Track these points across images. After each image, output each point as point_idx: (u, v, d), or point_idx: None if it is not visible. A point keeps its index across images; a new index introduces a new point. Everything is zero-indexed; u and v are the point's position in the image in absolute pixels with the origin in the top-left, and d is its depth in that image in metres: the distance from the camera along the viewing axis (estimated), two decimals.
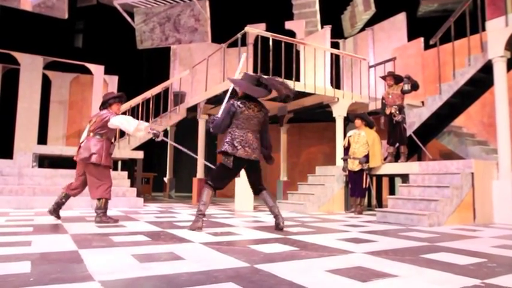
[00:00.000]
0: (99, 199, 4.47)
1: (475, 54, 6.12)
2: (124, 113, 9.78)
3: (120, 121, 4.47)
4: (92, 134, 4.55)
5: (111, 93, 4.88)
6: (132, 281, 1.96)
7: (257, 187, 4.27)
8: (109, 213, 5.78)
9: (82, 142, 4.62)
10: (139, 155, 9.30)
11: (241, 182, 7.02)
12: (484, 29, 5.89)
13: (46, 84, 10.34)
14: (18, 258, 2.40)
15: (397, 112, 6.53)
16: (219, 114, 4.08)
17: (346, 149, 6.83)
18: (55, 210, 4.60)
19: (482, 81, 6.26)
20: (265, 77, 4.18)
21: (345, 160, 6.79)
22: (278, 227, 4.07)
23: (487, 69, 5.88)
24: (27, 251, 2.64)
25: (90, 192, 4.51)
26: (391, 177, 8.08)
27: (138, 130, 4.39)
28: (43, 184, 7.05)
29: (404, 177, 6.54)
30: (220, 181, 4.07)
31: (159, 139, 4.60)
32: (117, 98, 4.74)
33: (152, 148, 11.57)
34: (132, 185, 8.11)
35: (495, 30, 5.62)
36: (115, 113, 4.61)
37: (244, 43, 9.48)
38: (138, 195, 7.92)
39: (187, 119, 10.77)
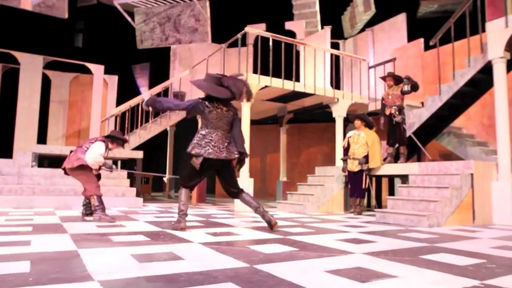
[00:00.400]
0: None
1: (475, 55, 6.12)
2: (124, 113, 9.81)
3: (89, 157, 4.83)
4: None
5: (121, 134, 5.41)
6: (131, 280, 1.96)
7: (232, 190, 4.16)
8: (109, 212, 5.80)
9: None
10: (139, 154, 9.31)
11: (241, 183, 7.02)
12: (484, 30, 5.90)
13: (46, 83, 10.35)
14: (18, 257, 2.40)
15: (397, 113, 6.53)
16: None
17: (346, 150, 6.83)
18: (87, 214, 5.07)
19: (482, 82, 6.27)
20: (227, 75, 4.07)
21: (344, 161, 6.79)
22: (270, 225, 3.97)
23: (486, 70, 5.88)
24: (27, 250, 2.64)
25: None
26: (391, 178, 8.08)
27: (94, 162, 4.82)
28: (42, 184, 7.05)
29: (404, 178, 6.54)
30: (189, 181, 4.02)
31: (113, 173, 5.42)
32: (121, 141, 5.24)
33: (152, 148, 11.56)
34: (131, 185, 8.11)
35: (495, 31, 5.62)
36: (105, 146, 4.96)
37: (244, 43, 9.48)
38: (138, 195, 7.92)
39: (187, 119, 10.77)
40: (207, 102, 3.94)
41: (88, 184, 4.79)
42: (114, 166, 5.15)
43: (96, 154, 4.78)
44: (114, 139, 5.15)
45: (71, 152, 4.98)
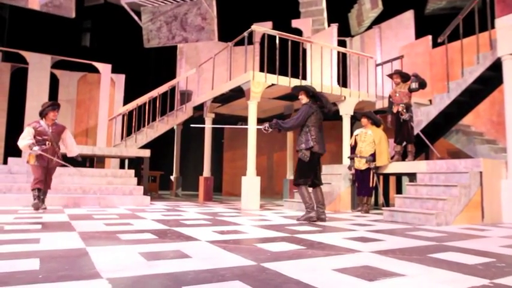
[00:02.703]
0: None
1: (484, 52, 6.05)
2: (131, 112, 9.85)
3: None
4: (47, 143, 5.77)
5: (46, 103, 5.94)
6: (139, 278, 1.96)
7: (316, 182, 5.04)
8: (117, 211, 5.84)
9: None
10: (146, 153, 9.35)
11: (248, 181, 7.03)
12: (493, 27, 5.83)
13: (54, 83, 10.44)
14: (27, 255, 2.42)
15: (404, 110, 6.48)
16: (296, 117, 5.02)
17: (353, 148, 6.80)
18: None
19: (491, 79, 6.20)
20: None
21: (351, 159, 6.77)
22: (321, 219, 4.87)
23: (496, 67, 5.81)
24: (36, 248, 2.67)
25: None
26: (398, 176, 8.03)
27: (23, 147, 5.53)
28: (51, 182, 7.10)
29: (412, 176, 6.50)
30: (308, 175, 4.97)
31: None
32: (50, 107, 5.73)
33: (159, 146, 11.60)
34: (139, 183, 8.16)
35: (504, 28, 5.55)
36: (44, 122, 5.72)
37: (250, 42, 9.47)
38: (145, 193, 7.96)
39: (194, 118, 10.79)
40: (314, 106, 5.06)
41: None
42: (35, 148, 5.49)
43: (20, 140, 5.46)
44: (44, 111, 5.68)
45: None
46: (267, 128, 4.97)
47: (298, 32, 11.27)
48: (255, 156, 7.16)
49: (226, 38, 10.12)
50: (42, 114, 5.67)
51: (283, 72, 7.58)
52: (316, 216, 4.84)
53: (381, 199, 7.26)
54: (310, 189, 5.03)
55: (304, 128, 4.96)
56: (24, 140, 5.43)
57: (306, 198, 4.90)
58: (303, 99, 5.19)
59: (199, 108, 10.31)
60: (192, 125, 5.83)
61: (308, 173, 4.91)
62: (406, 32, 9.93)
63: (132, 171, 8.31)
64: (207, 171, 9.77)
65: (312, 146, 4.87)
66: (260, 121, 8.95)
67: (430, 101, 7.64)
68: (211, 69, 9.75)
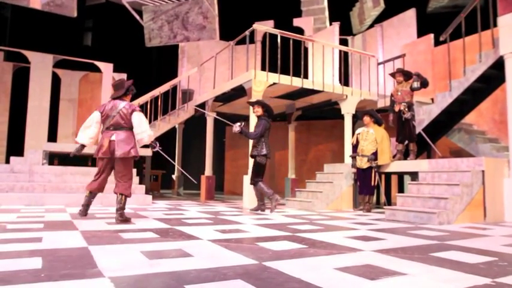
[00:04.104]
0: (121, 194, 4.29)
1: (486, 51, 6.04)
2: None
3: (142, 119, 4.37)
4: (115, 127, 4.34)
5: (127, 81, 4.61)
6: (141, 277, 1.97)
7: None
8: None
9: (101, 137, 4.41)
10: (148, 152, 9.36)
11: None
12: (495, 25, 5.80)
13: (56, 82, 10.44)
14: (30, 254, 2.43)
15: (406, 109, 6.47)
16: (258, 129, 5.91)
17: (355, 147, 6.79)
18: (85, 211, 4.53)
19: (493, 78, 6.18)
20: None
21: (353, 158, 6.76)
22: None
23: (498, 66, 5.79)
24: (38, 247, 2.68)
25: (118, 186, 4.34)
26: (400, 175, 8.02)
27: (150, 136, 4.37)
28: (53, 181, 7.13)
29: (414, 175, 6.49)
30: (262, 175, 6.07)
31: (156, 150, 4.73)
32: (132, 87, 4.58)
33: (161, 146, 11.60)
34: (140, 182, 8.16)
35: (507, 26, 5.53)
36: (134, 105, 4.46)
37: (252, 40, 9.46)
38: (147, 192, 7.97)
39: (196, 117, 10.80)
40: (268, 119, 6.01)
41: (126, 179, 4.37)
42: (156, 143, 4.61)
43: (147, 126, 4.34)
44: (132, 90, 4.59)
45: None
46: (236, 131, 5.82)
47: (300, 30, 11.26)
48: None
49: (228, 36, 10.11)
50: (126, 93, 4.57)
51: (284, 71, 7.57)
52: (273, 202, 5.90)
53: (383, 198, 7.25)
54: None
55: (260, 138, 5.92)
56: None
57: (265, 189, 5.93)
58: (259, 112, 6.04)
59: (200, 107, 10.31)
60: (194, 106, 5.99)
61: (263, 174, 6.06)
62: (408, 31, 9.91)
63: (134, 170, 8.31)
64: (208, 171, 9.78)
65: (267, 153, 5.92)
66: None
67: (432, 99, 7.62)
68: (213, 68, 9.75)
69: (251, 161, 6.43)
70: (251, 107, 6.35)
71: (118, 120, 4.32)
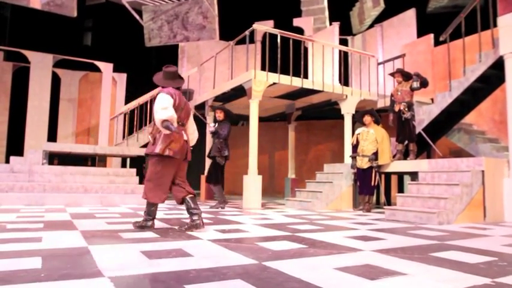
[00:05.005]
0: (191, 194, 3.71)
1: (486, 51, 6.04)
2: (132, 111, 9.85)
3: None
4: (183, 123, 3.69)
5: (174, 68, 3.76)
6: (141, 277, 1.97)
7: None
8: (118, 209, 5.83)
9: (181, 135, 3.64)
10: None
11: (250, 179, 7.03)
12: (495, 25, 5.80)
13: (56, 82, 10.46)
14: (29, 254, 2.43)
15: (406, 109, 6.47)
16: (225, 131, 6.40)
17: (355, 147, 6.79)
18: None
19: (493, 78, 6.18)
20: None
21: (353, 158, 6.76)
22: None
23: (498, 66, 5.79)
24: (38, 247, 2.68)
25: (181, 191, 3.72)
26: (400, 175, 8.02)
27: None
28: (53, 181, 7.13)
29: (414, 175, 6.49)
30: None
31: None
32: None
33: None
34: (141, 182, 8.15)
35: (507, 26, 5.53)
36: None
37: (252, 40, 9.46)
38: None
39: (195, 117, 10.78)
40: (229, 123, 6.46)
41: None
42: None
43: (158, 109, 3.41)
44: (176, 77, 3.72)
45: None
46: (211, 131, 6.44)
47: (300, 30, 11.26)
48: (256, 155, 7.16)
49: (228, 36, 10.11)
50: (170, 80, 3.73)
51: (284, 71, 7.57)
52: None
53: (383, 198, 7.25)
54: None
55: (225, 140, 6.39)
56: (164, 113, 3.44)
57: (222, 192, 6.53)
58: (220, 116, 6.55)
59: (200, 107, 10.30)
60: (195, 110, 6.30)
61: (222, 175, 6.49)
62: (408, 31, 9.91)
63: (134, 170, 8.32)
64: None
65: (228, 155, 6.36)
66: (261, 120, 8.95)
67: (432, 99, 7.62)
68: (213, 68, 9.74)
69: (208, 161, 7.11)
70: (213, 112, 6.99)
71: (186, 114, 3.65)
